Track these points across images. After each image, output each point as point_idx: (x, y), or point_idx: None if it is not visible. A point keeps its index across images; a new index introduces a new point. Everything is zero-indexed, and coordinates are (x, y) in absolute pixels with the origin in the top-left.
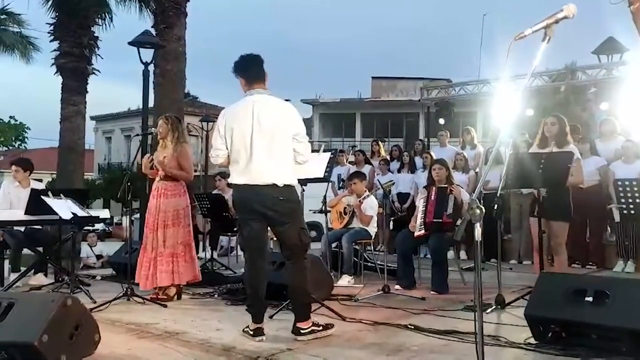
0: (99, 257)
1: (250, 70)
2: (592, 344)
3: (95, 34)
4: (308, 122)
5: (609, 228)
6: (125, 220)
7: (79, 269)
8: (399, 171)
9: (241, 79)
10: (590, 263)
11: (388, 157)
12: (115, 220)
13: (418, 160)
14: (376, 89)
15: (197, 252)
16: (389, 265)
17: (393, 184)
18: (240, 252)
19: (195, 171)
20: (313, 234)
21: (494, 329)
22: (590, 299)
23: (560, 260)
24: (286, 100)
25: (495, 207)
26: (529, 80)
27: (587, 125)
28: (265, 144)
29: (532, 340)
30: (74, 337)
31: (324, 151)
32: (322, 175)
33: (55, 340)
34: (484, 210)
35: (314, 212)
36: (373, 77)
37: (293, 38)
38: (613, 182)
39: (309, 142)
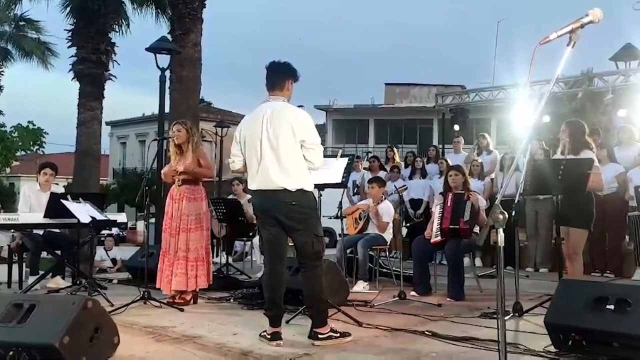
0: (113, 261)
1: (268, 79)
2: (613, 353)
3: (112, 40)
4: (321, 128)
5: (627, 236)
6: (142, 225)
7: (95, 272)
8: (410, 177)
9: (265, 85)
10: (609, 271)
11: (403, 164)
12: (129, 225)
13: (432, 167)
14: (389, 95)
15: (212, 257)
16: (404, 271)
17: (406, 188)
18: (255, 257)
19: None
20: (326, 239)
21: (513, 337)
22: (611, 306)
23: (574, 267)
24: (299, 106)
25: (513, 214)
26: (549, 86)
27: (607, 131)
28: (273, 149)
29: (552, 349)
30: (93, 340)
31: (342, 156)
32: (339, 181)
33: (75, 342)
34: (506, 216)
35: (330, 218)
36: (386, 84)
37: (306, 44)
38: (634, 189)
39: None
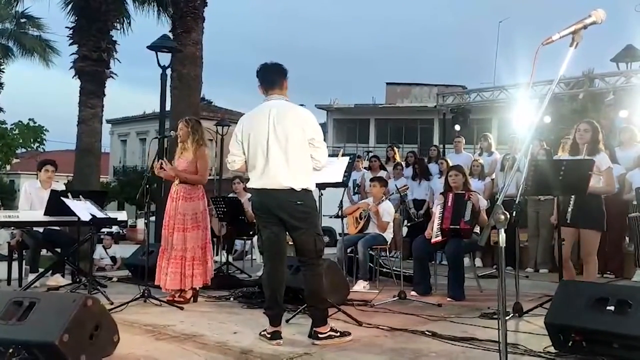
0: (112, 259)
1: (267, 77)
2: (613, 354)
3: (113, 38)
4: (322, 128)
5: (627, 238)
6: (142, 223)
7: (94, 270)
8: (413, 178)
9: (260, 86)
10: (609, 272)
11: (403, 163)
12: (129, 223)
13: (433, 167)
14: (390, 95)
15: (212, 256)
16: (405, 271)
17: (407, 188)
18: (255, 256)
19: (209, 175)
20: (326, 239)
21: (512, 337)
22: (612, 307)
23: (589, 270)
24: (300, 105)
25: (514, 214)
26: (551, 86)
27: (609, 131)
28: (281, 148)
29: (552, 349)
30: (93, 337)
31: (342, 156)
32: (340, 180)
33: (75, 340)
34: (508, 216)
35: (330, 217)
36: (387, 83)
37: (307, 43)
38: (636, 190)
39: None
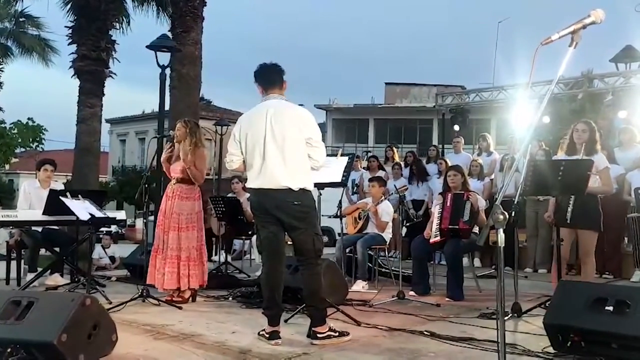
0: (111, 258)
1: (266, 77)
2: (612, 354)
3: (113, 38)
4: (321, 127)
5: (625, 238)
6: (140, 223)
7: (93, 270)
8: (410, 180)
9: (258, 86)
10: (607, 272)
11: (402, 164)
12: (128, 223)
13: (432, 167)
14: (390, 95)
15: (211, 256)
16: (404, 271)
17: (407, 188)
18: (254, 256)
19: (208, 175)
20: (325, 239)
21: (511, 338)
22: (610, 308)
23: (587, 270)
24: (299, 105)
25: (513, 214)
26: (550, 86)
27: (608, 131)
28: (278, 148)
29: (551, 349)
30: (92, 337)
31: (341, 156)
32: (339, 180)
33: (74, 339)
34: (507, 217)
35: (329, 217)
36: (386, 83)
37: (307, 43)
38: (634, 190)
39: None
